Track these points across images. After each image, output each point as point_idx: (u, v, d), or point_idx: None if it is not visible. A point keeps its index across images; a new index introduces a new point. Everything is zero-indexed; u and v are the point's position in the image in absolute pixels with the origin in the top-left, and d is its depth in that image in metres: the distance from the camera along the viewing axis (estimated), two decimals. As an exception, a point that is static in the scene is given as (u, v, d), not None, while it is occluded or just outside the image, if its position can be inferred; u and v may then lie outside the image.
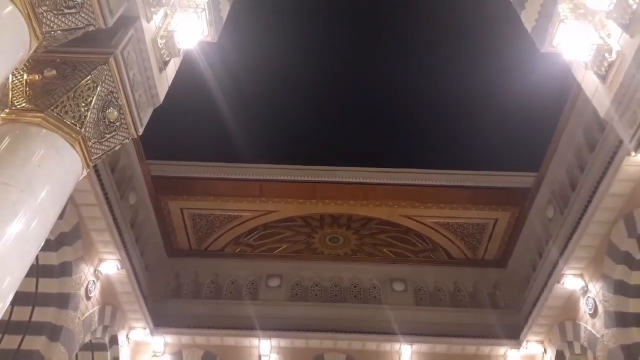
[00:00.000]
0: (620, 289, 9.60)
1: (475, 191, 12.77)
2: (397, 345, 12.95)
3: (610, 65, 5.96)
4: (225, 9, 7.67)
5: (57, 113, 4.82)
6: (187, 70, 8.02)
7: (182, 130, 12.97)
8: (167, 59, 6.45)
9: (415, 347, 12.95)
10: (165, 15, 6.31)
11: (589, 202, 9.60)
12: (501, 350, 12.98)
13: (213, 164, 12.80)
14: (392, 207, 13.32)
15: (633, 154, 7.72)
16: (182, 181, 12.79)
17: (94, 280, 10.67)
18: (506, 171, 12.54)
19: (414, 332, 12.90)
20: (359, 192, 13.01)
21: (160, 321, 13.05)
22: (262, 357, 12.81)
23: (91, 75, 5.15)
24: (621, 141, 7.99)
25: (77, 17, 4.63)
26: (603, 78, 6.12)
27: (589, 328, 10.46)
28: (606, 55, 5.94)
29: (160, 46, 6.24)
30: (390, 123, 13.07)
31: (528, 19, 7.17)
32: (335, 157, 12.98)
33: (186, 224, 14.02)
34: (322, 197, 13.16)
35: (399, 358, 12.88)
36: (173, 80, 6.95)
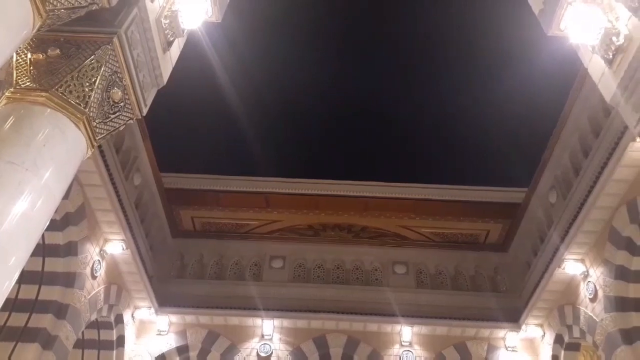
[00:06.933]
0: (621, 274, 9.63)
1: (468, 205, 13.67)
2: (397, 327, 13.10)
3: (618, 49, 5.87)
4: (229, -12, 7.59)
5: (61, 93, 4.81)
6: (195, 71, 8.11)
7: (193, 145, 13.83)
8: (171, 39, 6.41)
9: (416, 328, 13.11)
10: (169, -6, 6.26)
11: (592, 187, 9.58)
12: (501, 333, 13.11)
13: (222, 176, 13.91)
14: (390, 219, 14.21)
15: (638, 139, 7.70)
16: (193, 193, 13.77)
17: (99, 260, 10.79)
18: (500, 186, 13.66)
19: (414, 314, 13.04)
20: (359, 204, 13.97)
21: (164, 301, 13.23)
22: (264, 337, 13.00)
23: (95, 55, 5.14)
24: (626, 127, 7.93)
25: (80, -5, 4.60)
26: (610, 62, 6.04)
27: (589, 312, 10.53)
28: (614, 39, 5.85)
29: (164, 26, 6.19)
30: (389, 141, 13.83)
31: (535, 1, 7.07)
32: (336, 172, 14.35)
33: (196, 230, 14.87)
34: (324, 209, 14.12)
35: (400, 339, 13.03)
36: (180, 78, 6.92)
